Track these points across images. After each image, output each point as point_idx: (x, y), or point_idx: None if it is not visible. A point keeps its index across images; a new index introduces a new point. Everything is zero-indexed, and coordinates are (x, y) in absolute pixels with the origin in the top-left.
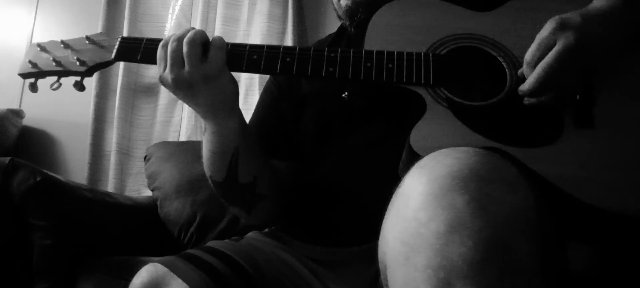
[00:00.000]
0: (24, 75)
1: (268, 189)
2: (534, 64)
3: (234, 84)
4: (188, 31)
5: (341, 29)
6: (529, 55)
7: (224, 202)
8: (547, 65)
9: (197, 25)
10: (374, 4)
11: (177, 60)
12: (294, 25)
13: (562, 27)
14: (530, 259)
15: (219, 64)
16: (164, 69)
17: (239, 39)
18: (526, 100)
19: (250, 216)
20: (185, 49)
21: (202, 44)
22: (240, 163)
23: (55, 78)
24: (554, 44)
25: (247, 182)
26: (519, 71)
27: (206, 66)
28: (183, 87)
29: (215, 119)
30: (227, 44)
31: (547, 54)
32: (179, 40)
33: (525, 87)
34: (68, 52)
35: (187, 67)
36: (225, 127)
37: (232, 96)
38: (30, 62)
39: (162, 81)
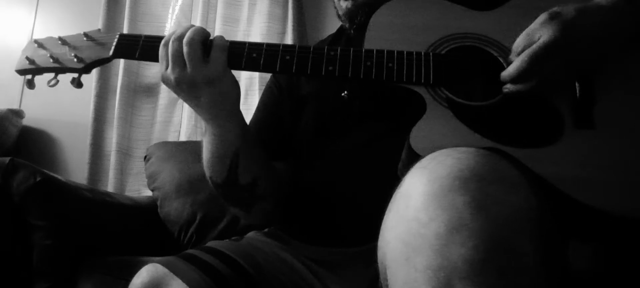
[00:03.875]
0: (21, 72)
1: (267, 190)
2: (518, 53)
3: (236, 86)
4: (188, 30)
5: (341, 29)
6: (515, 44)
7: (224, 202)
8: (528, 54)
9: (197, 25)
10: (374, 6)
11: (179, 60)
12: (294, 25)
13: (552, 18)
14: (532, 259)
15: (220, 66)
16: (166, 68)
17: (239, 39)
18: (505, 88)
19: (249, 216)
20: (185, 49)
21: (202, 44)
22: (241, 165)
23: (52, 75)
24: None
25: (247, 183)
26: (509, 59)
27: (208, 68)
28: (185, 88)
29: (216, 120)
30: (227, 42)
31: (532, 44)
32: (180, 39)
33: (505, 73)
34: (66, 49)
35: (188, 68)
36: (225, 129)
37: (234, 98)
38: (27, 58)
39: (164, 80)
